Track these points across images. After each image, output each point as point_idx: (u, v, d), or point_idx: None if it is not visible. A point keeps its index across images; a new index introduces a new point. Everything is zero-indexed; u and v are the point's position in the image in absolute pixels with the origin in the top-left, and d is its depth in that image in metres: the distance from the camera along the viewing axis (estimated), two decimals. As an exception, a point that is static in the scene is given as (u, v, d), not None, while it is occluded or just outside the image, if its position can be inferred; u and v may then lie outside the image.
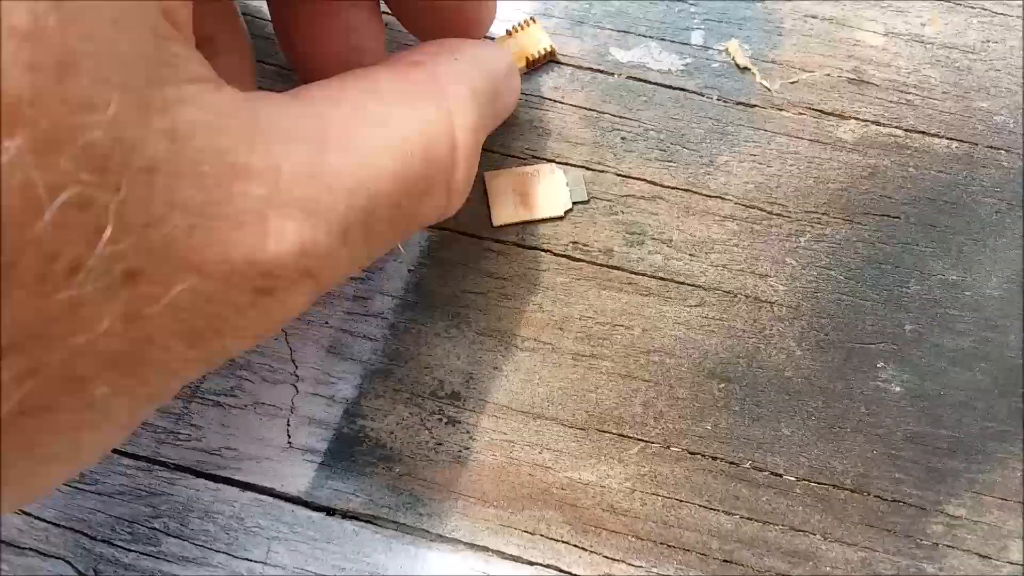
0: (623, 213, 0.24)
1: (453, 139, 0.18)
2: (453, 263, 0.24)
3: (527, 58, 0.24)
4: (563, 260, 0.24)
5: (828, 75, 0.25)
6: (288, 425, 0.22)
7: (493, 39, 0.25)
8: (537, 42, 0.25)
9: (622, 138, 0.25)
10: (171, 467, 0.21)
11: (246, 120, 0.14)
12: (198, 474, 0.21)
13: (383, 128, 0.17)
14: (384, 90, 0.17)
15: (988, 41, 0.26)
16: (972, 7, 0.26)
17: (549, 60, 0.25)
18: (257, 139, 0.14)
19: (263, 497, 0.21)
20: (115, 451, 0.21)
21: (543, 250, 0.24)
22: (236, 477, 0.21)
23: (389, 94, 0.17)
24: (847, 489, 0.21)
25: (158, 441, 0.22)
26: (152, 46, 0.13)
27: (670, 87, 0.25)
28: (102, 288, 0.12)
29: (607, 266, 0.24)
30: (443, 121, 0.18)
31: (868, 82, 0.25)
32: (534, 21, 0.25)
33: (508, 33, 0.25)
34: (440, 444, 0.22)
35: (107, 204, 0.11)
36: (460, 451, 0.22)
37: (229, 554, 0.21)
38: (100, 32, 0.11)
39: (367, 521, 0.21)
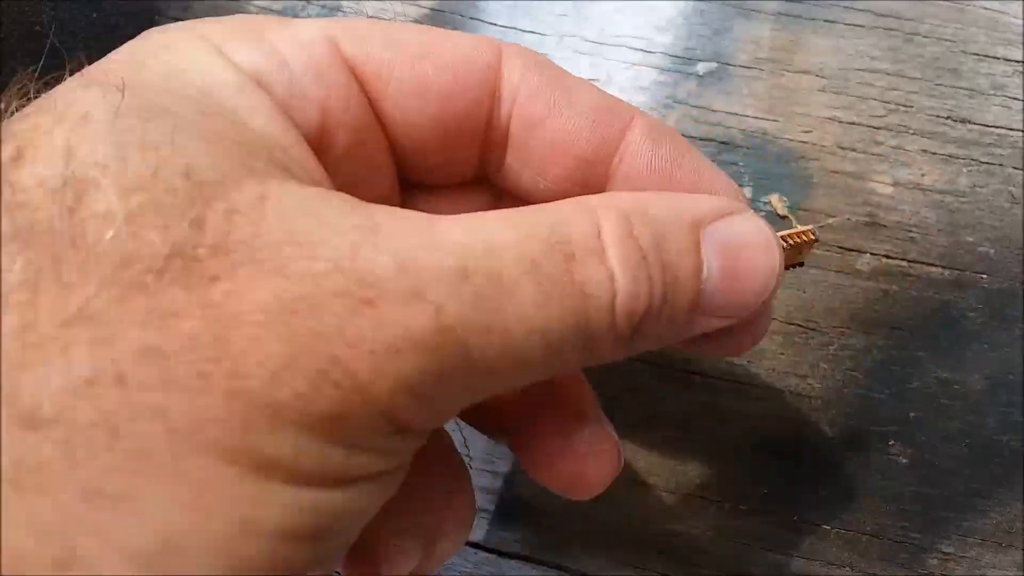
0: (697, 330, 0.32)
1: (596, 225, 0.16)
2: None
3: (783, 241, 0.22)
4: (656, 368, 0.32)
5: (848, 219, 0.33)
6: (468, 492, 0.31)
7: None
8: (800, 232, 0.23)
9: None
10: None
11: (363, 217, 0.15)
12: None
13: (496, 216, 0.16)
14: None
15: (975, 186, 0.33)
16: (963, 159, 0.34)
17: (810, 246, 0.23)
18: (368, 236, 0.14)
19: (455, 543, 0.30)
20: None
21: (641, 361, 0.32)
22: (435, 530, 0.30)
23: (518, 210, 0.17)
24: (868, 534, 0.29)
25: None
26: None
27: (729, 232, 0.33)
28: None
29: (688, 372, 0.32)
30: (580, 212, 0.17)
31: (880, 224, 0.33)
32: (812, 235, 0.23)
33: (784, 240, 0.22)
34: (574, 504, 0.31)
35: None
36: (588, 510, 0.30)
37: (435, 583, 0.30)
38: None
39: (526, 559, 0.30)
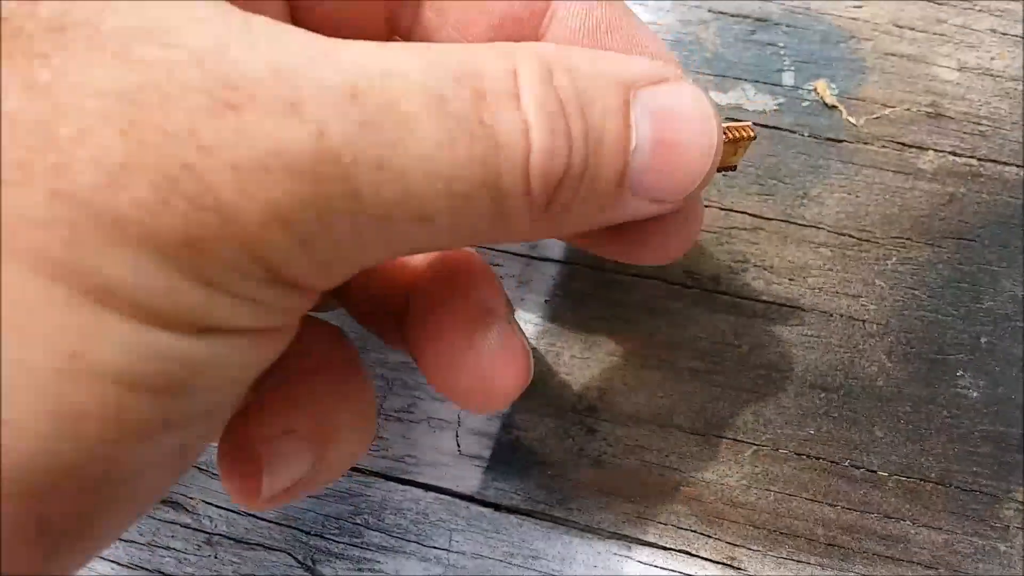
0: (728, 244, 0.27)
1: (512, 70, 0.14)
2: (582, 294, 0.27)
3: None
4: (677, 288, 0.27)
5: (908, 110, 0.28)
6: (457, 436, 0.26)
7: None
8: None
9: (723, 175, 0.28)
10: (366, 473, 0.25)
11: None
12: (388, 478, 0.25)
13: (404, 48, 0.14)
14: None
15: (1054, 71, 0.28)
16: (1039, 39, 0.28)
17: (746, 143, 0.20)
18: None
19: (443, 496, 0.25)
20: (316, 462, 0.25)
21: (660, 279, 0.27)
22: (419, 480, 0.25)
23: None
24: (932, 482, 0.25)
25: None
26: None
27: (765, 126, 0.28)
28: None
29: (716, 292, 0.27)
30: (496, 54, 0.15)
31: (944, 115, 0.28)
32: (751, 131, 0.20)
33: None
34: (582, 450, 0.25)
35: None
36: (599, 455, 0.25)
37: (419, 543, 0.25)
38: None
39: (527, 514, 0.25)
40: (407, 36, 0.19)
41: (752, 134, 0.20)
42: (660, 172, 0.16)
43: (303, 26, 0.18)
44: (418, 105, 0.13)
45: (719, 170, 0.19)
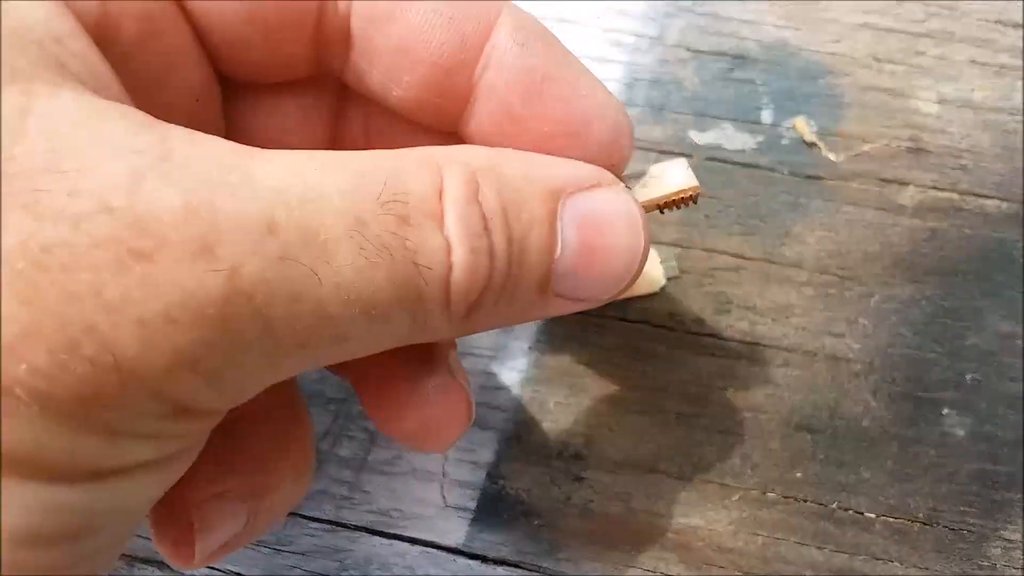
0: (710, 285, 0.27)
1: (438, 186, 0.14)
2: (565, 339, 0.27)
3: (658, 205, 0.19)
4: (661, 331, 0.26)
5: (888, 145, 0.28)
6: (442, 488, 0.25)
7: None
8: (672, 184, 0.19)
9: (705, 216, 0.27)
10: (351, 527, 0.25)
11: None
12: (373, 532, 0.25)
13: (329, 157, 0.14)
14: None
15: (1033, 101, 0.28)
16: (1017, 70, 0.28)
17: (689, 200, 0.19)
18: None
19: (429, 550, 0.25)
20: (303, 516, 0.25)
21: (644, 323, 0.26)
22: (405, 533, 0.25)
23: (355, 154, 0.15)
24: (920, 522, 0.24)
25: (337, 507, 0.25)
26: None
27: (745, 165, 0.28)
28: None
29: (700, 334, 0.26)
30: (422, 166, 0.14)
31: (924, 149, 0.27)
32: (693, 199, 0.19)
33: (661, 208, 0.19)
34: (569, 498, 0.25)
35: None
36: (587, 503, 0.25)
37: (406, 599, 0.25)
38: None
39: (514, 566, 0.25)
40: (341, 76, 0.19)
41: (694, 196, 0.19)
42: (585, 276, 0.16)
43: (223, 61, 0.18)
44: (338, 232, 0.13)
45: (678, 204, 0.19)
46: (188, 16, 0.17)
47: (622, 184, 0.17)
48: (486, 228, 0.14)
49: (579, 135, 0.17)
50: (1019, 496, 0.24)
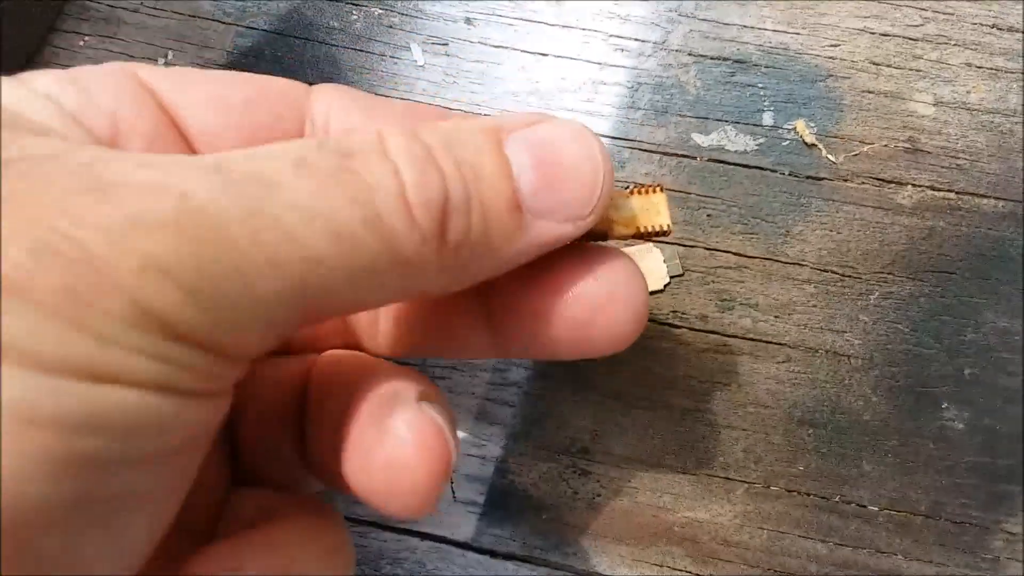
0: (714, 283, 0.27)
1: (379, 136, 0.15)
2: (573, 335, 0.27)
3: (637, 228, 0.19)
4: (666, 328, 0.27)
5: (886, 146, 0.28)
6: (451, 482, 0.26)
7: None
8: (656, 214, 0.19)
9: (708, 215, 0.28)
10: (362, 523, 0.25)
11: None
12: (384, 527, 0.25)
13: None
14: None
15: (1028, 103, 0.28)
16: (1012, 72, 0.29)
17: (660, 237, 0.20)
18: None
19: (438, 544, 0.25)
20: (314, 512, 0.25)
21: (648, 320, 0.27)
22: (414, 528, 0.25)
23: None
24: (922, 515, 0.25)
25: (349, 502, 0.26)
26: None
27: (747, 166, 0.28)
28: None
29: (704, 331, 0.27)
30: (364, 135, 0.15)
31: (922, 150, 0.28)
32: (660, 190, 0.19)
33: (629, 191, 0.19)
34: (576, 493, 0.26)
35: None
36: (593, 498, 0.25)
37: (417, 592, 0.25)
38: None
39: (523, 560, 0.25)
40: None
41: (660, 187, 0.19)
42: (551, 189, 0.16)
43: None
44: (282, 168, 0.14)
45: (653, 237, 0.19)
46: (186, 138, 0.19)
47: (574, 122, 0.17)
48: (431, 155, 0.15)
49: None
50: (1019, 489, 0.25)
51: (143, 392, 0.13)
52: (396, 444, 0.16)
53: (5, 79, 0.17)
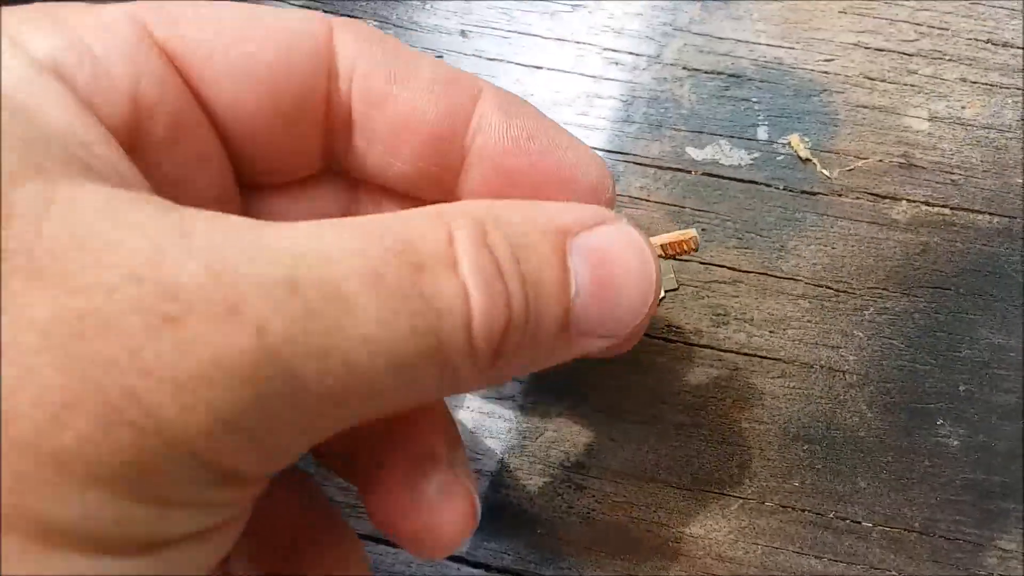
0: (708, 297, 0.27)
1: (447, 238, 0.15)
2: (568, 350, 0.27)
3: (662, 251, 0.21)
4: (660, 342, 0.27)
5: (880, 161, 0.28)
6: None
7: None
8: (674, 232, 0.21)
9: (702, 229, 0.28)
10: (359, 536, 0.25)
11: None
12: (379, 541, 0.25)
13: (342, 225, 0.14)
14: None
15: (1023, 119, 0.28)
16: (1007, 88, 0.29)
17: (691, 250, 0.21)
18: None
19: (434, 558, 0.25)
20: (308, 526, 0.25)
21: (643, 335, 0.27)
22: (408, 544, 0.25)
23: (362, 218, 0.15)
24: (916, 531, 0.25)
25: (345, 516, 0.25)
26: None
27: (741, 180, 0.28)
28: None
29: (698, 345, 0.27)
30: (432, 224, 0.15)
31: (917, 165, 0.28)
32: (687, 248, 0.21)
33: (662, 249, 0.21)
34: (571, 507, 0.26)
35: None
36: (588, 512, 0.25)
37: (410, 608, 0.25)
38: None
39: (517, 574, 0.25)
40: (345, 166, 0.20)
41: (694, 247, 0.21)
42: (602, 312, 0.16)
43: (244, 161, 0.18)
44: (357, 285, 0.13)
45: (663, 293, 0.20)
46: (210, 113, 0.17)
47: (624, 218, 0.18)
48: (499, 271, 0.15)
49: (568, 182, 0.19)
50: (1013, 506, 0.25)
51: (192, 543, 0.13)
52: (429, 509, 0.18)
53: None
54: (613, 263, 0.16)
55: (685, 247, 0.21)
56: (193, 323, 0.12)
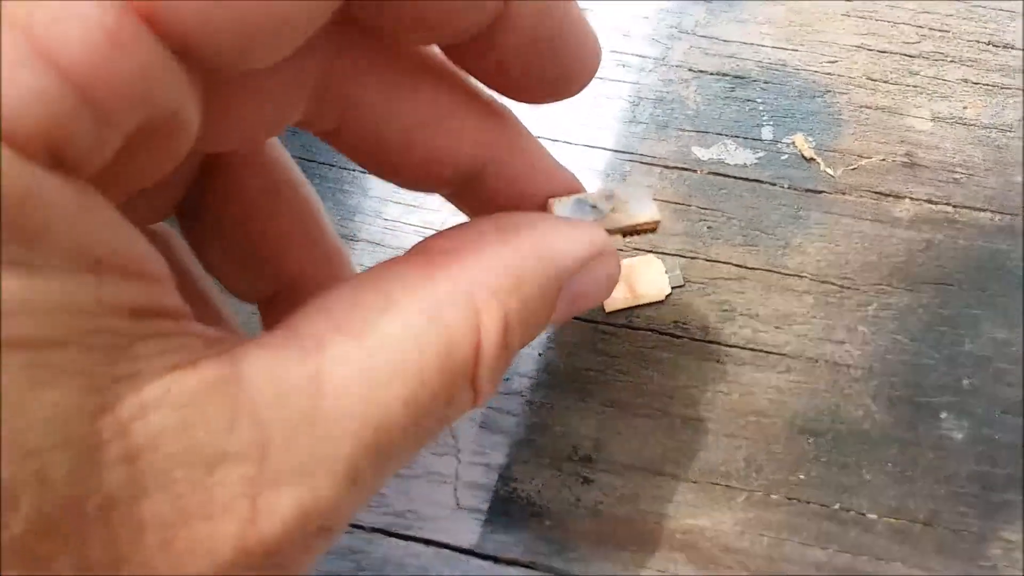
0: (714, 294, 0.28)
1: (476, 344, 0.15)
2: (574, 345, 0.27)
3: (623, 232, 0.21)
4: (667, 338, 0.27)
5: (884, 160, 0.29)
6: (455, 490, 0.26)
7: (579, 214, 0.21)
8: (638, 215, 0.21)
9: (708, 227, 0.28)
10: (368, 529, 0.26)
11: (227, 398, 0.12)
12: (389, 534, 0.26)
13: (391, 352, 0.14)
14: (397, 303, 0.15)
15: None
16: (1007, 89, 0.29)
17: (649, 230, 0.22)
18: (241, 415, 0.12)
19: (442, 551, 0.25)
20: (320, 518, 0.26)
21: (650, 330, 0.27)
22: (419, 535, 0.26)
23: (402, 308, 0.14)
24: (920, 523, 0.25)
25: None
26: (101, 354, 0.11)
27: (746, 179, 0.29)
28: None
29: (705, 341, 0.27)
30: (466, 325, 0.15)
31: (919, 164, 0.28)
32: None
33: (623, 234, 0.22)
34: (579, 500, 0.26)
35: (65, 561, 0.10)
36: (596, 505, 0.26)
37: (421, 598, 0.25)
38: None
39: (526, 566, 0.25)
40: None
41: (653, 227, 0.22)
42: (567, 314, 0.19)
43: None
44: (402, 444, 0.15)
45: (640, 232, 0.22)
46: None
47: (612, 244, 0.20)
48: (510, 329, 0.16)
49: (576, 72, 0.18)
50: (1017, 498, 0.25)
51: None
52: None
53: None
54: (588, 296, 0.19)
55: (645, 228, 0.22)
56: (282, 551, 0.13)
